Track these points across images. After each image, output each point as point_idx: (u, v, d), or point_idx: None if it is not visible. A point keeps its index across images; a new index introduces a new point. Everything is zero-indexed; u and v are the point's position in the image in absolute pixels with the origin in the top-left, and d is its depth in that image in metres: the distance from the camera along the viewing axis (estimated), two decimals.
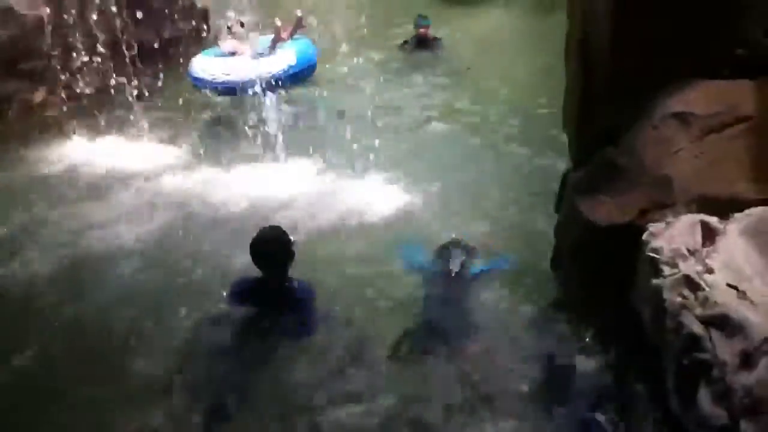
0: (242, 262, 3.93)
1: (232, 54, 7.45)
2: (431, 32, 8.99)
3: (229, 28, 7.64)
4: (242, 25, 7.61)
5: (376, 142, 5.90)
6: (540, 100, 6.67)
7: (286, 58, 7.47)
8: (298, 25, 7.81)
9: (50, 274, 4.55)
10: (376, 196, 5.27)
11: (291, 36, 7.75)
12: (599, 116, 3.77)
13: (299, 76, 7.54)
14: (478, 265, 4.15)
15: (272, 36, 7.61)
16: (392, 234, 4.74)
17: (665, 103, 3.33)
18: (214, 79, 7.24)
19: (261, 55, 7.40)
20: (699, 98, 3.27)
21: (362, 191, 5.37)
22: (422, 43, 8.92)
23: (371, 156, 5.70)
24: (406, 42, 9.06)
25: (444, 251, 4.20)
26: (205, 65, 7.37)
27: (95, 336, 3.91)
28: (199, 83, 7.36)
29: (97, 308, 4.14)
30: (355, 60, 7.83)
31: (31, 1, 7.28)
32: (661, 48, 3.41)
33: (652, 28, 3.40)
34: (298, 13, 7.76)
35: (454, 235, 4.39)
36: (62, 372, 3.65)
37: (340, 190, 5.43)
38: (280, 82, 7.14)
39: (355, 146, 5.79)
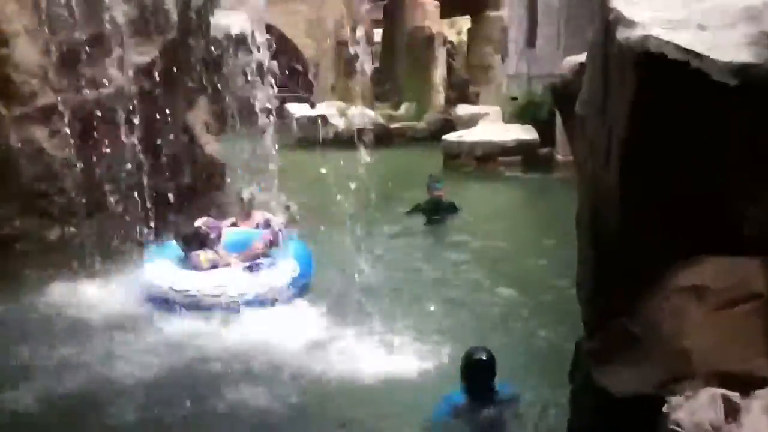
0: None
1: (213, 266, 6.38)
2: (445, 196, 8.90)
3: (242, 200, 7.25)
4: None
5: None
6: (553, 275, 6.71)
7: (286, 267, 6.38)
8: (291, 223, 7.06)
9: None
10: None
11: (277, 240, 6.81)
12: (611, 286, 3.83)
13: (303, 289, 6.45)
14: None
15: (247, 233, 6.93)
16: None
17: (678, 276, 3.38)
18: (190, 297, 5.94)
19: (253, 267, 6.37)
20: (711, 273, 3.32)
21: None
22: (437, 207, 8.75)
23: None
24: (418, 206, 8.89)
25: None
26: (172, 277, 6.15)
27: None
28: (157, 302, 6.08)
29: None
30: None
31: (60, 141, 7.65)
32: (670, 226, 3.53)
33: (664, 203, 3.55)
34: (292, 207, 7.11)
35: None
36: None
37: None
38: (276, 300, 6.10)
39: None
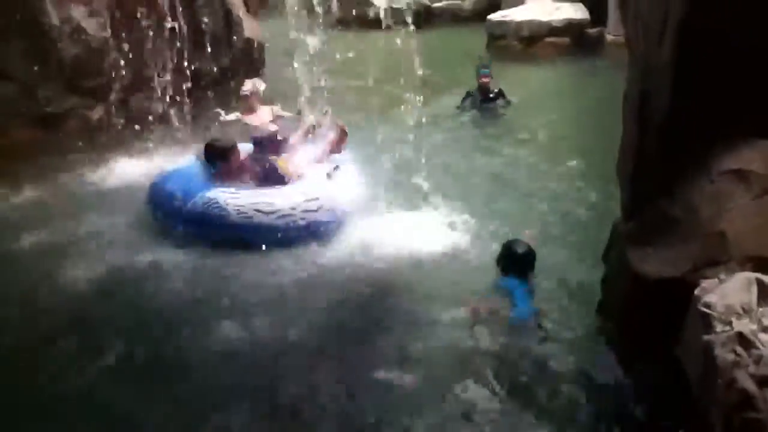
0: None
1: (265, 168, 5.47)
2: (492, 82, 8.50)
3: (245, 96, 6.25)
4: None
5: None
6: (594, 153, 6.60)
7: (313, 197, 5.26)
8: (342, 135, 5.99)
9: (96, 287, 4.70)
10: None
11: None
12: (654, 170, 3.76)
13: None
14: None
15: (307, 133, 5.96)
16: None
17: (724, 159, 3.30)
18: (244, 216, 5.06)
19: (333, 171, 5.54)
20: (759, 157, 3.23)
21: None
22: (484, 95, 8.44)
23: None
24: (468, 94, 8.54)
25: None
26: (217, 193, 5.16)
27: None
28: (195, 226, 5.13)
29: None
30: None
31: (98, 22, 7.62)
32: (723, 105, 3.40)
33: (715, 85, 3.41)
34: (327, 112, 6.07)
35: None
36: None
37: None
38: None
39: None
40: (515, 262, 4.28)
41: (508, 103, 8.62)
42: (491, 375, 3.65)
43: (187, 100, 7.64)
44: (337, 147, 5.94)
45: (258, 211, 5.12)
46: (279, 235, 5.08)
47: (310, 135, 6.04)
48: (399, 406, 3.51)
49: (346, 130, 6.04)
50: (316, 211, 5.20)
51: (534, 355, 3.79)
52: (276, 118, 6.48)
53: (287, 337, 4.09)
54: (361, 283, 4.70)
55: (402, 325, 4.22)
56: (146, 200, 5.55)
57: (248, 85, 6.55)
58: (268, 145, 5.80)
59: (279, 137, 5.92)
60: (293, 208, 5.15)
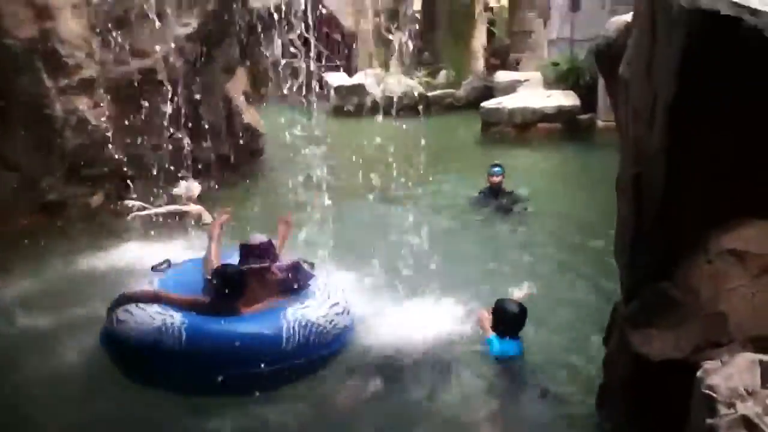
0: None
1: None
2: (504, 183, 7.96)
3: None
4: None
5: None
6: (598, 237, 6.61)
7: (335, 302, 4.70)
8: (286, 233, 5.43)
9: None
10: None
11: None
12: (651, 252, 3.79)
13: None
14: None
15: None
16: None
17: (721, 239, 3.32)
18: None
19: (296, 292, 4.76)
20: (754, 237, 3.26)
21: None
22: (495, 194, 7.93)
23: None
24: (481, 192, 8.08)
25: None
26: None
27: None
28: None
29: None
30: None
31: (101, 114, 7.82)
32: (716, 186, 3.46)
33: (708, 167, 3.47)
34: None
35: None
36: None
37: None
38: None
39: None
40: (509, 321, 4.44)
41: (525, 208, 7.98)
42: None
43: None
44: (283, 243, 5.40)
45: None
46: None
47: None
48: None
49: (291, 223, 5.65)
50: (342, 314, 4.71)
51: None
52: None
53: None
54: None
55: None
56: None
57: (182, 188, 6.50)
58: (261, 253, 4.81)
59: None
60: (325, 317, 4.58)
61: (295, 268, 4.82)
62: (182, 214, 6.11)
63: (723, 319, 3.04)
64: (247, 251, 4.84)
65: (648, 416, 3.21)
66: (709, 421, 2.57)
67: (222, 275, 4.50)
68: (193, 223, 6.16)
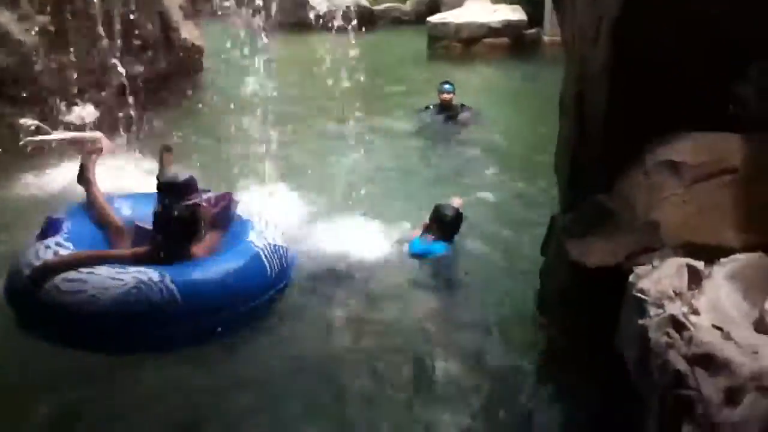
0: None
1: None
2: (456, 99, 7.96)
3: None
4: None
5: None
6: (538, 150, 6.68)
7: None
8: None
9: None
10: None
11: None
12: (591, 166, 3.89)
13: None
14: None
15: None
16: None
17: (657, 152, 3.44)
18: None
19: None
20: (689, 148, 3.37)
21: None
22: (445, 111, 7.92)
23: None
24: (427, 108, 8.09)
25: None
26: None
27: None
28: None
29: None
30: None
31: (27, 26, 7.37)
32: (657, 101, 3.54)
33: (648, 84, 3.55)
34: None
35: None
36: None
37: None
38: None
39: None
40: (445, 224, 4.71)
41: (473, 122, 7.97)
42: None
43: (126, 107, 7.43)
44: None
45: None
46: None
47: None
48: None
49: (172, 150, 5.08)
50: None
51: (469, 348, 3.85)
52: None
53: None
54: None
55: None
56: None
57: (75, 114, 6.11)
58: (186, 189, 4.18)
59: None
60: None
61: (226, 200, 4.47)
62: (78, 142, 5.42)
63: (656, 227, 3.16)
64: (169, 189, 4.18)
65: (584, 321, 3.37)
66: (639, 321, 2.71)
67: (174, 217, 4.01)
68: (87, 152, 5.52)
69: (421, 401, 3.54)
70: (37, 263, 3.95)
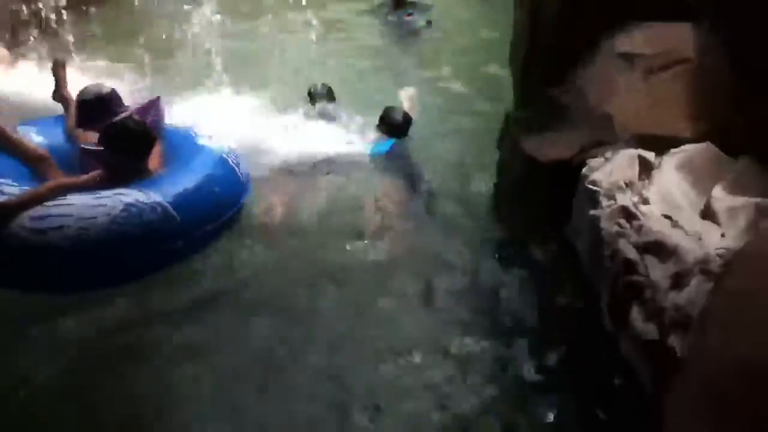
0: None
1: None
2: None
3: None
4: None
5: None
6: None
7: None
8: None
9: None
10: None
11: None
12: (545, 60, 3.83)
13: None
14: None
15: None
16: None
17: (609, 45, 3.40)
18: None
19: None
20: (642, 40, 3.34)
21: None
22: (397, 5, 7.51)
23: None
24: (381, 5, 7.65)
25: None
26: None
27: None
28: None
29: None
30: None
31: None
32: None
33: None
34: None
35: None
36: None
37: None
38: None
39: None
40: (393, 126, 4.70)
41: (429, 22, 7.47)
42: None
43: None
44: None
45: None
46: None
47: None
48: None
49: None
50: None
51: (430, 246, 3.87)
52: None
53: None
54: None
55: None
56: None
57: None
58: (111, 103, 3.95)
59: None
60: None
61: (157, 107, 4.05)
62: None
63: (609, 119, 3.16)
64: (98, 104, 3.89)
65: (539, 215, 3.41)
66: (591, 212, 2.76)
67: (128, 131, 3.65)
68: None
69: (384, 295, 3.53)
70: None
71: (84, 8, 7.23)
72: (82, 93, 4.01)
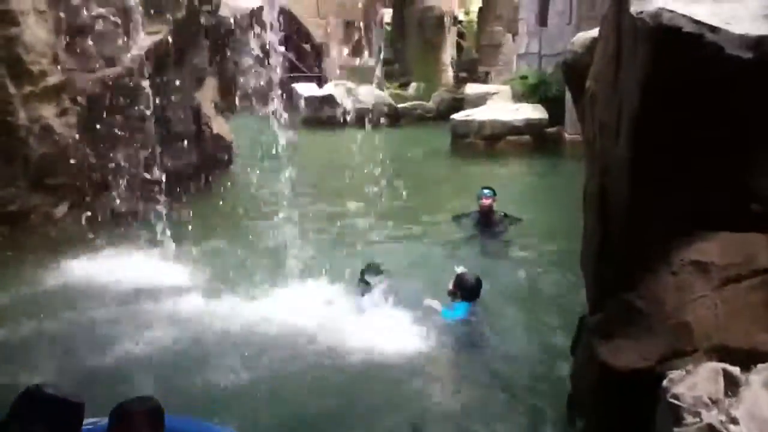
0: None
1: None
2: (495, 206, 7.36)
3: None
4: None
5: None
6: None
7: None
8: None
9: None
10: None
11: None
12: (617, 263, 3.84)
13: None
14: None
15: None
16: None
17: (683, 251, 3.39)
18: None
19: None
20: (716, 248, 3.33)
21: None
22: (485, 219, 7.33)
23: None
24: (462, 216, 7.57)
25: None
26: None
27: None
28: None
29: None
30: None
31: (64, 120, 7.65)
32: (678, 200, 3.53)
33: (670, 182, 3.54)
34: None
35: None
36: None
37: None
38: None
39: None
40: (467, 289, 5.16)
41: (518, 220, 7.49)
42: None
43: (158, 197, 7.61)
44: None
45: None
46: None
47: None
48: None
49: None
50: None
51: None
52: None
53: None
54: None
55: None
56: None
57: None
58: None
59: None
60: None
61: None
62: None
63: (688, 328, 3.09)
64: None
65: (616, 425, 3.24)
66: (675, 429, 2.61)
67: None
68: None
69: None
70: None
71: None
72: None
